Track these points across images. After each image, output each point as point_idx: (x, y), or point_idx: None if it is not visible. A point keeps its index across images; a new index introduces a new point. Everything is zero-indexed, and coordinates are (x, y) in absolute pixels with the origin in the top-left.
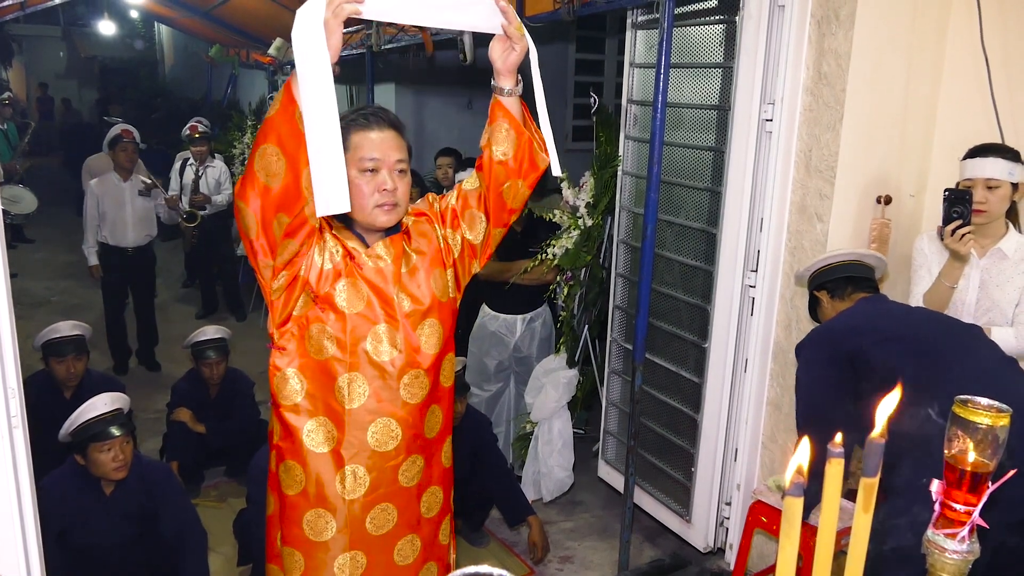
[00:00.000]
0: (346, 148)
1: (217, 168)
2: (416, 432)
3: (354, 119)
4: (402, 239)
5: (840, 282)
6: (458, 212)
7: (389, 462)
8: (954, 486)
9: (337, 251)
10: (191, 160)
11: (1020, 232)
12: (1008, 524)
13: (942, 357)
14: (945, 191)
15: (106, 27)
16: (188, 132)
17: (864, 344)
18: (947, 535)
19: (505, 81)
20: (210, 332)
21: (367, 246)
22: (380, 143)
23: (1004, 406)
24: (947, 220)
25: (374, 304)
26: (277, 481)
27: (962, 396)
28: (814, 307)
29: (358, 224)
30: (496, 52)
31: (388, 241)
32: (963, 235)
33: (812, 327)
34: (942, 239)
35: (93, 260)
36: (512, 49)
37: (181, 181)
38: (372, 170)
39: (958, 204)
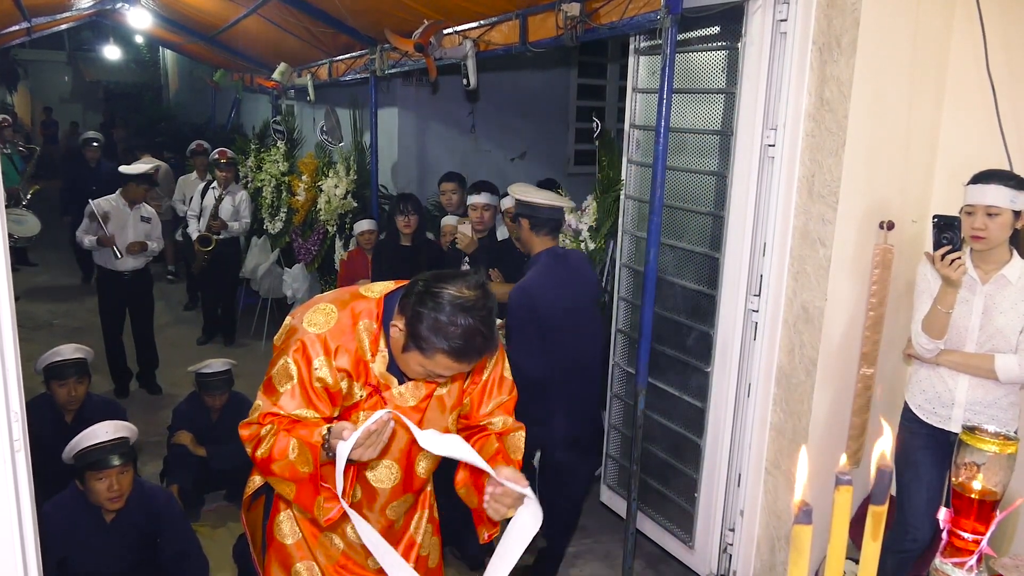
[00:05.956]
0: (423, 349)
1: (237, 196)
2: (388, 527)
3: (453, 344)
4: (436, 383)
5: (546, 223)
6: (471, 408)
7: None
8: (962, 514)
9: (365, 390)
10: (214, 184)
11: None
12: (561, 439)
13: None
14: (934, 217)
15: (111, 52)
16: (216, 156)
17: (542, 307)
18: (955, 564)
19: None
20: (216, 365)
21: (400, 383)
22: (459, 368)
23: (1012, 434)
24: (937, 246)
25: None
26: (272, 528)
27: (969, 424)
28: (517, 219)
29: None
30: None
31: (423, 383)
32: (952, 260)
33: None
34: (933, 264)
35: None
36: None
37: (202, 203)
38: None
39: (947, 230)
